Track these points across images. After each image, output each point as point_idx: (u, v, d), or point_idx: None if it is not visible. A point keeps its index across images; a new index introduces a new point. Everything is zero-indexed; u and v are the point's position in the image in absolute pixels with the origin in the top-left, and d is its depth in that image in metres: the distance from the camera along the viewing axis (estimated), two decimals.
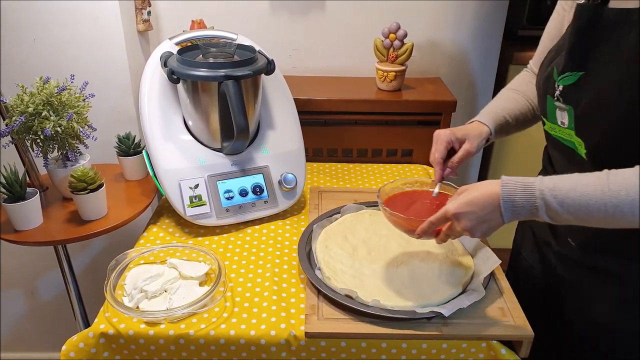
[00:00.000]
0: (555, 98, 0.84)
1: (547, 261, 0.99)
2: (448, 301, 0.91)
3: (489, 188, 0.77)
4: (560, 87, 0.83)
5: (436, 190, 0.97)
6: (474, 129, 0.99)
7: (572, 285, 0.94)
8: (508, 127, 1.02)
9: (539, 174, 1.07)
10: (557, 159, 0.93)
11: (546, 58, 0.92)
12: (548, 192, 0.72)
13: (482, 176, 1.87)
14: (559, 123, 0.86)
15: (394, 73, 1.48)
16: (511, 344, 0.89)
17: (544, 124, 0.92)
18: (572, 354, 0.96)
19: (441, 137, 0.97)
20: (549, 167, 0.98)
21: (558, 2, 0.97)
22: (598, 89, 0.77)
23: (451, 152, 0.98)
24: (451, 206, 0.78)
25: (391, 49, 1.48)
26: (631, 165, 0.72)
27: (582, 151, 0.82)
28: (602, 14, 0.77)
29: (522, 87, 1.05)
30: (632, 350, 0.90)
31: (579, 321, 0.94)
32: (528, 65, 1.09)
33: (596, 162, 0.80)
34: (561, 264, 0.95)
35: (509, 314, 0.90)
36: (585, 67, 0.79)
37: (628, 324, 0.88)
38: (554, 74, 0.85)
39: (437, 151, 0.96)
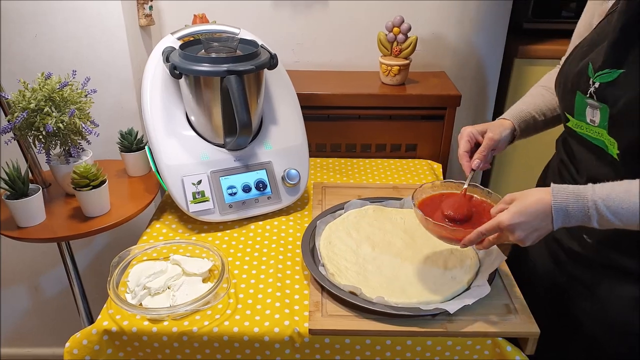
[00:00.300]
0: (588, 95, 0.82)
1: (555, 258, 0.98)
2: (453, 298, 0.90)
3: (539, 196, 0.77)
4: (597, 84, 0.80)
5: (466, 184, 0.96)
6: (495, 122, 1.00)
7: (584, 284, 0.92)
8: (535, 122, 1.01)
9: (551, 165, 1.06)
10: (582, 156, 0.90)
11: (576, 52, 0.89)
12: (601, 202, 0.73)
13: (485, 178, 1.86)
14: (588, 121, 0.84)
15: (398, 67, 1.47)
16: (517, 341, 0.88)
17: (567, 120, 0.90)
18: (581, 354, 0.95)
19: (463, 133, 0.98)
20: (570, 163, 0.95)
21: (589, 1, 0.95)
22: (638, 89, 0.75)
23: (478, 146, 0.98)
24: (504, 217, 0.77)
25: (395, 43, 1.47)
26: None
27: (614, 151, 0.80)
28: None
29: (551, 83, 1.02)
30: None
31: (590, 321, 0.92)
32: (560, 62, 1.05)
33: (628, 163, 0.79)
34: (572, 261, 0.94)
35: (514, 310, 0.89)
36: (626, 64, 0.77)
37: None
38: (588, 70, 0.82)
39: (460, 147, 0.97)
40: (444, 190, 0.99)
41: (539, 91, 1.05)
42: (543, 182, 1.09)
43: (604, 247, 0.88)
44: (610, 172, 0.83)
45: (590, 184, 0.76)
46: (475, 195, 0.97)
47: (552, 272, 0.99)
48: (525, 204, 0.77)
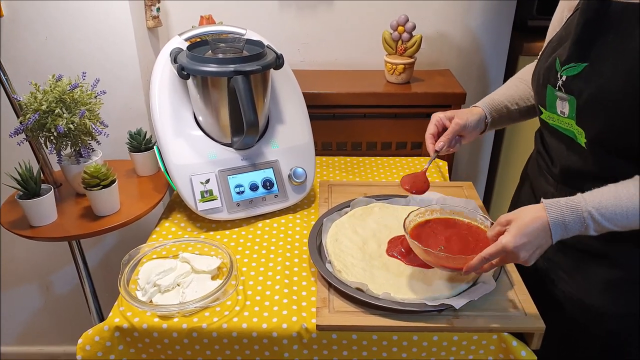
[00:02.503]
0: (557, 88, 0.86)
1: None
2: (458, 293, 0.91)
3: (535, 214, 0.79)
4: (564, 78, 0.85)
5: (428, 164, 1.05)
6: (464, 109, 1.06)
7: (562, 269, 0.95)
8: (509, 111, 1.07)
9: (531, 157, 1.11)
10: (555, 146, 0.95)
11: (547, 48, 0.94)
12: (595, 211, 0.76)
13: (492, 169, 1.87)
14: (559, 112, 0.88)
15: (403, 66, 1.47)
16: (523, 336, 0.89)
17: (540, 112, 0.95)
18: (563, 336, 0.97)
19: (432, 118, 1.05)
20: (544, 152, 1.00)
21: None
22: (601, 80, 0.79)
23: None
24: (508, 240, 0.79)
25: (400, 42, 1.48)
26: (631, 155, 0.78)
27: (582, 140, 0.85)
28: (610, 7, 0.79)
29: (527, 76, 1.07)
30: (621, 333, 0.93)
31: (570, 304, 0.96)
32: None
33: (596, 151, 0.84)
34: (551, 247, 0.93)
35: (520, 305, 0.90)
36: (590, 58, 0.82)
37: (618, 307, 0.91)
38: (556, 64, 0.87)
39: (428, 129, 1.05)
40: (429, 217, 1.01)
41: (513, 82, 1.10)
42: (525, 172, 1.14)
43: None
44: (579, 160, 0.88)
45: (579, 194, 0.79)
46: (464, 219, 1.00)
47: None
48: (523, 224, 0.79)
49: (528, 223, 0.79)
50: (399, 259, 1.00)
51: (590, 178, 0.85)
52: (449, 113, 1.05)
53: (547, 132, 0.96)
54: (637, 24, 0.76)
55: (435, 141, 1.03)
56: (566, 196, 0.81)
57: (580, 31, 0.82)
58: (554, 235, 0.78)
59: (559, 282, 0.97)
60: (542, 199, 0.81)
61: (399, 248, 1.02)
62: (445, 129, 1.04)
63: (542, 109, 0.94)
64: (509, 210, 1.16)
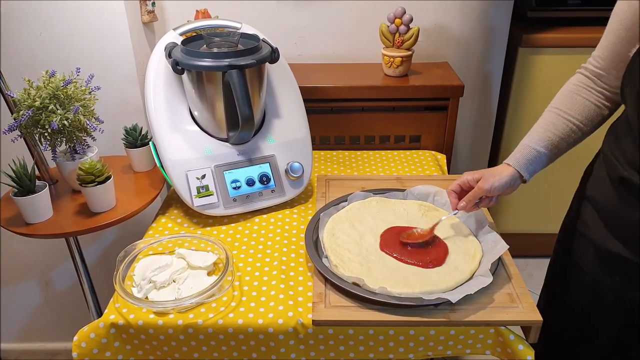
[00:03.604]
0: None
1: (621, 273, 0.92)
2: (455, 287, 0.91)
3: None
4: None
5: (443, 218, 1.04)
6: (495, 170, 0.98)
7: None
8: (545, 157, 0.96)
9: (598, 179, 0.97)
10: None
11: None
12: None
13: (492, 163, 1.86)
14: None
15: (400, 58, 1.46)
16: (520, 329, 0.88)
17: None
18: (581, 338, 0.95)
19: (461, 176, 1.01)
20: (633, 177, 0.84)
21: None
22: None
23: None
24: None
25: (397, 34, 1.46)
26: None
27: None
28: None
29: (566, 104, 0.95)
30: None
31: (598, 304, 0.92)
32: (587, 65, 0.95)
33: None
34: None
35: (517, 299, 0.89)
36: None
37: None
38: None
39: (451, 185, 1.02)
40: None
41: (551, 119, 0.96)
42: (585, 200, 1.00)
43: None
44: None
45: None
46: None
47: (618, 286, 0.93)
48: None
49: None
50: (394, 257, 0.99)
51: None
52: (477, 175, 0.98)
53: None
54: None
55: (459, 198, 1.00)
56: None
57: None
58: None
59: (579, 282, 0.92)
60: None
61: (394, 247, 1.01)
62: (471, 188, 0.99)
63: None
64: (562, 229, 1.08)
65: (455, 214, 1.02)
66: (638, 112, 0.81)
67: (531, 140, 0.96)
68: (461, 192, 1.01)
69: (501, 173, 0.96)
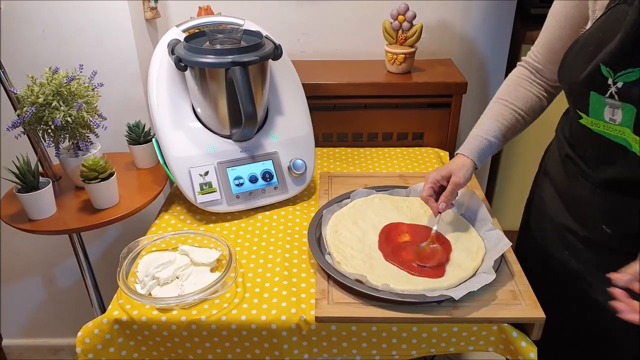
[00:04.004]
0: (608, 95, 0.80)
1: (569, 246, 0.98)
2: (458, 285, 0.91)
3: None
4: (619, 84, 0.78)
5: (435, 227, 1.01)
6: (457, 163, 1.02)
7: (603, 270, 0.90)
8: (495, 146, 1.03)
9: (552, 157, 1.05)
10: (599, 152, 0.89)
11: (579, 50, 0.86)
12: None
13: (495, 160, 1.85)
14: (607, 119, 0.82)
15: (404, 55, 1.46)
16: (523, 327, 0.88)
17: (579, 117, 0.88)
18: (589, 339, 0.96)
19: (427, 178, 1.03)
20: (577, 157, 0.94)
21: None
22: None
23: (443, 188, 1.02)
24: None
25: (400, 31, 1.46)
26: None
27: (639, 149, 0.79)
28: None
29: (511, 95, 1.03)
30: None
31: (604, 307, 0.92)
32: (527, 58, 1.04)
33: None
34: (590, 249, 0.93)
35: (520, 296, 0.89)
36: None
37: None
38: (602, 70, 0.79)
39: (423, 190, 1.02)
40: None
41: (498, 110, 1.03)
42: (545, 170, 1.08)
43: (624, 238, 0.87)
44: (631, 169, 0.82)
45: None
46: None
47: (566, 259, 0.99)
48: None
49: None
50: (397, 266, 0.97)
51: (638, 186, 0.83)
52: (444, 172, 1.01)
53: (588, 138, 0.89)
54: None
55: (436, 200, 1.01)
56: (604, 203, 0.85)
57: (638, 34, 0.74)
58: None
59: (596, 284, 0.93)
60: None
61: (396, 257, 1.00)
62: (441, 187, 1.02)
63: (581, 114, 0.87)
64: (526, 208, 1.16)
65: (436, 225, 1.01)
66: (570, 105, 0.92)
67: (482, 131, 1.03)
68: (435, 194, 1.03)
69: (464, 164, 1.01)
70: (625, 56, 0.76)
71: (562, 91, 0.94)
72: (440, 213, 1.01)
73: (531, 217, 1.13)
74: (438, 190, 1.03)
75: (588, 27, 0.87)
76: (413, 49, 1.47)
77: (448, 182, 1.00)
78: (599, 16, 0.85)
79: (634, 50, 0.75)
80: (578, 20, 0.91)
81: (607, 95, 0.80)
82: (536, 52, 1.02)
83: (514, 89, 1.04)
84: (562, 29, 0.93)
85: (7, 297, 1.77)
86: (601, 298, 0.92)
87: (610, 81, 0.79)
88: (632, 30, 0.74)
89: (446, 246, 1.00)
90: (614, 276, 0.76)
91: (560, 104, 1.01)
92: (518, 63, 1.07)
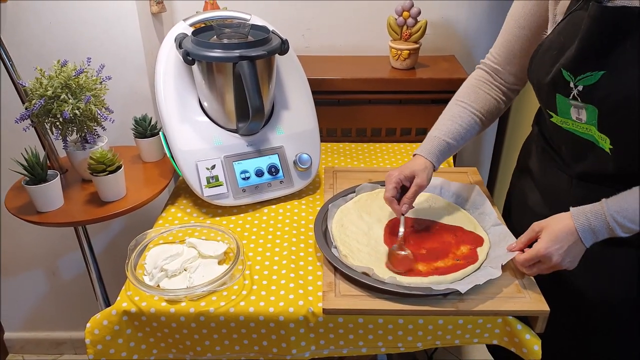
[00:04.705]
0: (572, 97, 0.84)
1: None
2: (463, 278, 0.92)
3: (565, 222, 0.85)
4: (580, 87, 0.82)
5: (401, 229, 1.00)
6: (419, 165, 1.01)
7: (586, 258, 0.95)
8: (453, 149, 1.04)
9: (530, 152, 1.08)
10: (571, 148, 0.93)
11: (544, 54, 0.89)
12: (618, 215, 0.80)
13: (496, 154, 1.87)
14: (574, 118, 0.87)
15: (408, 51, 1.47)
16: (527, 320, 0.89)
17: (550, 116, 0.93)
18: (585, 327, 0.98)
19: (390, 178, 1.01)
20: (552, 151, 0.99)
21: None
22: (625, 89, 0.77)
23: (404, 188, 1.02)
24: (541, 247, 0.85)
25: (405, 27, 1.47)
26: None
27: (607, 146, 0.84)
28: (626, 13, 0.75)
29: (470, 98, 1.05)
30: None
31: (595, 294, 0.96)
32: (485, 60, 1.07)
33: (622, 156, 0.84)
34: None
35: (524, 290, 0.91)
36: (608, 66, 0.78)
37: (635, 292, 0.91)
38: (564, 74, 0.84)
39: (387, 191, 1.01)
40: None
41: (456, 112, 1.04)
42: (525, 164, 1.11)
43: None
44: (601, 164, 0.88)
45: (603, 200, 0.82)
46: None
47: None
48: (554, 231, 0.85)
49: (558, 230, 0.84)
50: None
51: (613, 178, 0.87)
52: (407, 172, 1.00)
53: (560, 134, 0.93)
54: None
55: (398, 202, 1.01)
56: (581, 194, 0.90)
57: (598, 39, 0.78)
58: (585, 240, 0.83)
59: (582, 271, 0.94)
60: (571, 208, 0.85)
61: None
62: (403, 188, 1.02)
63: (551, 113, 0.92)
64: (507, 201, 1.20)
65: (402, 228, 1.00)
66: (541, 105, 0.96)
67: (440, 132, 1.03)
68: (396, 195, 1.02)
69: (426, 166, 1.01)
70: (583, 61, 0.80)
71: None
72: (403, 215, 1.00)
73: (512, 209, 1.16)
74: (400, 191, 1.02)
75: (550, 30, 0.91)
76: (417, 45, 1.48)
77: (410, 183, 1.00)
78: (559, 20, 0.88)
79: (590, 55, 0.79)
80: (537, 20, 0.94)
81: (570, 97, 0.84)
82: (495, 54, 1.04)
83: (473, 91, 1.05)
84: (521, 29, 0.96)
85: (9, 289, 1.78)
86: (582, 285, 0.97)
87: (572, 84, 0.83)
88: (587, 36, 0.79)
89: (416, 247, 1.01)
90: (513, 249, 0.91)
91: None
92: (477, 66, 1.09)
